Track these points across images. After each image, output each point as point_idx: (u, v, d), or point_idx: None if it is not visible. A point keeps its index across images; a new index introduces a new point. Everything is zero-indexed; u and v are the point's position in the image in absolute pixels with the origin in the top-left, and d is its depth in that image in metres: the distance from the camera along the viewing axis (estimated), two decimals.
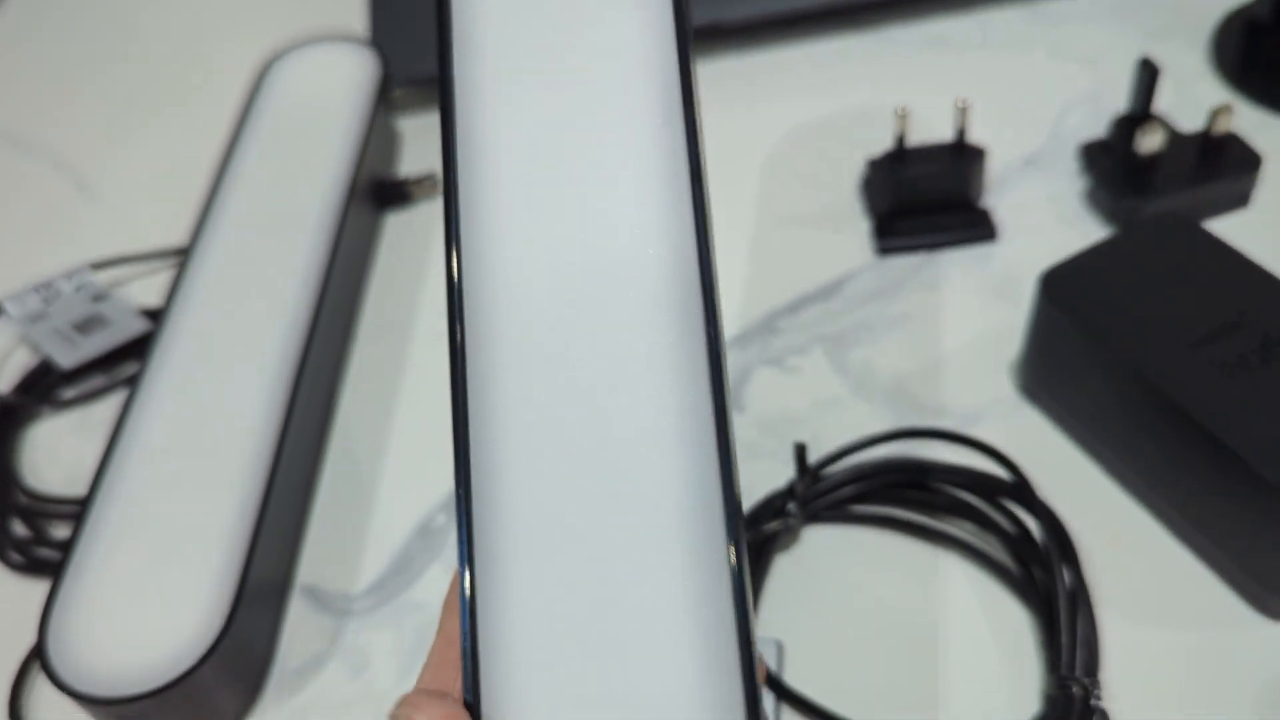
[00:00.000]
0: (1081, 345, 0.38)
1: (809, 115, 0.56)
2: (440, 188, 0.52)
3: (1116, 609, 0.36)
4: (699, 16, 0.58)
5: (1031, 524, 0.37)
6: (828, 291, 0.48)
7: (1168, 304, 0.38)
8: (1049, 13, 0.59)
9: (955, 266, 0.48)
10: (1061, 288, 0.39)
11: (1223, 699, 0.34)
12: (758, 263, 0.50)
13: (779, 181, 0.53)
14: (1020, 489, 0.37)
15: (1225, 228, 0.47)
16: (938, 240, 0.48)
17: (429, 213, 0.55)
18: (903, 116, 0.46)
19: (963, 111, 0.46)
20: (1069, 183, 0.50)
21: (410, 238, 0.54)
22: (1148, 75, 0.47)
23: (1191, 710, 0.34)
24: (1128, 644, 0.36)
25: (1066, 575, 0.35)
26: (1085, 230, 0.48)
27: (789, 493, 0.39)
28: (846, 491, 0.39)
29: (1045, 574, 0.36)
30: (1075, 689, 0.33)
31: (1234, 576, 0.36)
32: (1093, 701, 0.33)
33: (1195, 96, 0.53)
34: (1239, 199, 0.47)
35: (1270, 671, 0.35)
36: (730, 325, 0.47)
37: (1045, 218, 0.49)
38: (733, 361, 0.46)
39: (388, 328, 0.50)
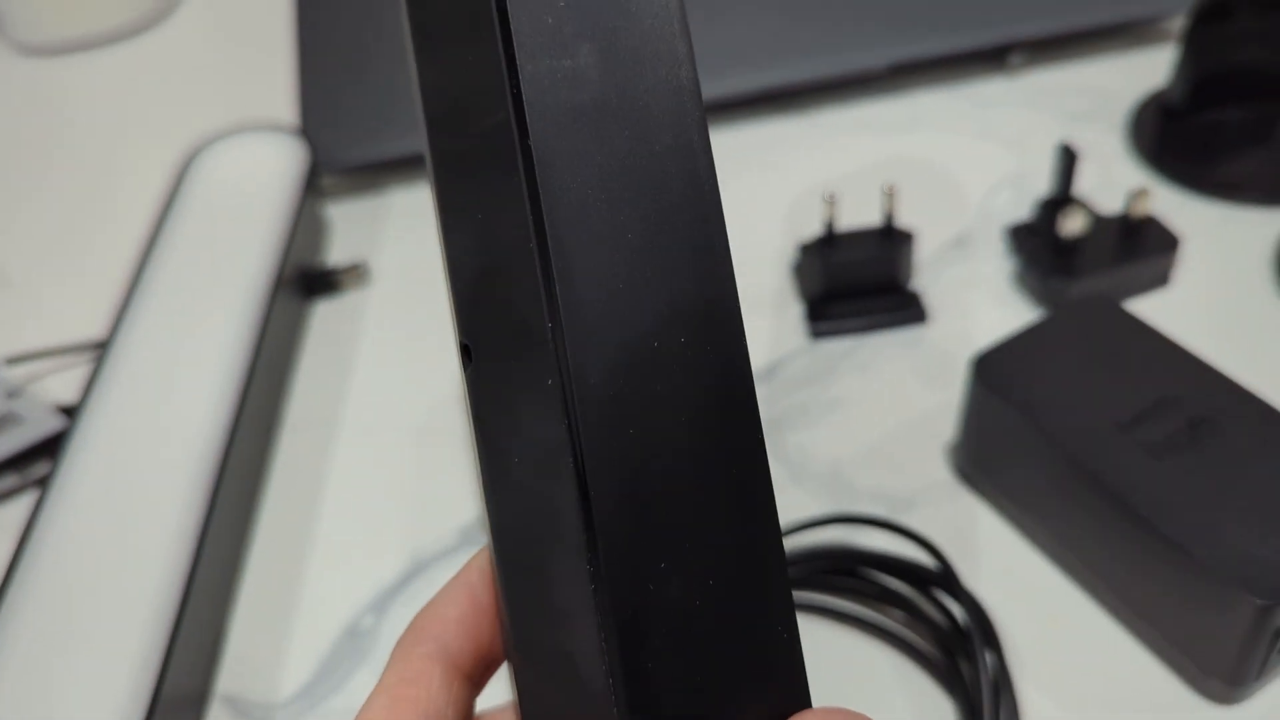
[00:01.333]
0: (1014, 428, 0.38)
1: (741, 199, 0.57)
2: (365, 277, 0.52)
3: (1053, 694, 0.36)
4: None
5: (958, 613, 0.37)
6: (763, 376, 0.48)
7: (1096, 386, 0.38)
8: (974, 96, 0.61)
9: (888, 349, 0.48)
10: (993, 371, 0.39)
11: None
12: None
13: None
14: (946, 577, 0.37)
15: (1147, 307, 0.48)
16: (869, 323, 0.48)
17: (356, 302, 0.54)
18: (830, 202, 0.47)
19: (889, 196, 0.47)
20: (996, 264, 0.51)
21: (338, 328, 0.53)
22: (1067, 160, 0.48)
23: None
24: None
25: (990, 664, 0.35)
26: (1013, 311, 0.49)
27: None
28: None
29: (969, 664, 0.35)
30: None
31: (1173, 659, 0.36)
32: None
33: (1115, 178, 0.54)
34: (1159, 278, 0.48)
35: None
36: None
37: (974, 299, 0.50)
38: None
39: (314, 421, 0.49)
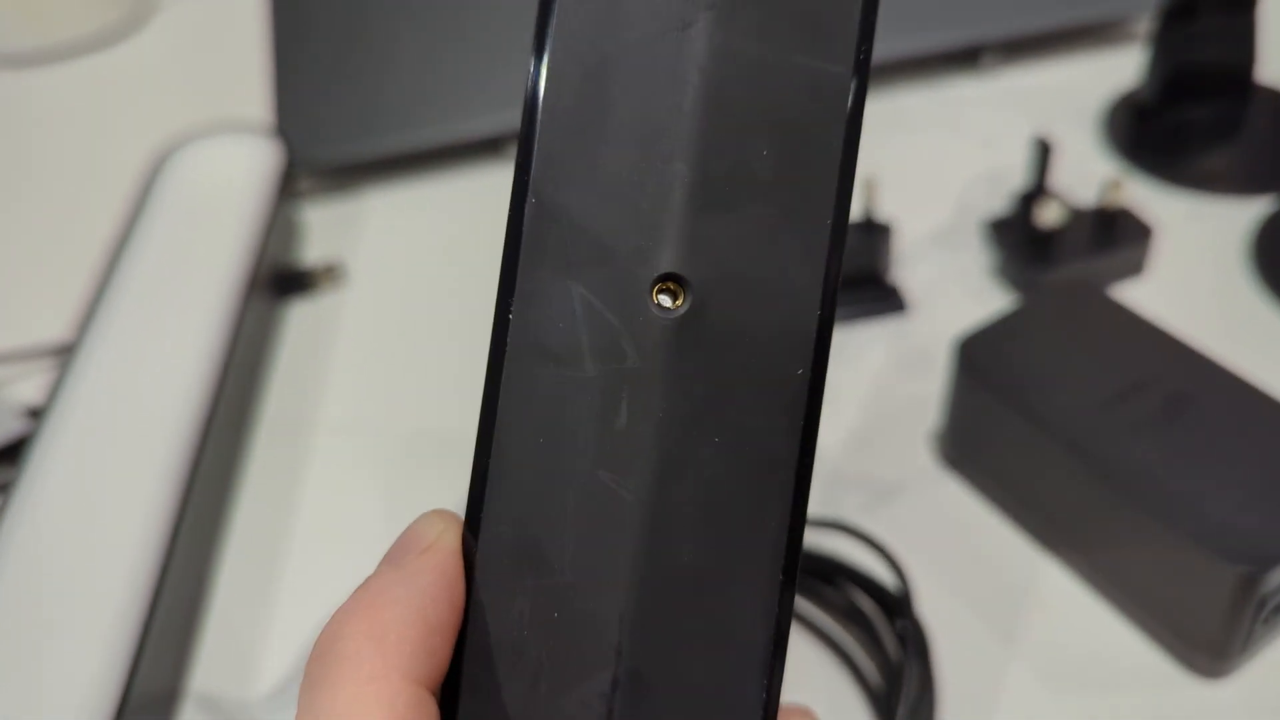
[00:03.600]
0: (998, 409, 0.38)
1: None
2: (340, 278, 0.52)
3: (1041, 674, 0.36)
4: None
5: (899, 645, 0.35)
6: None
7: (1078, 367, 0.38)
8: (949, 96, 0.61)
9: (870, 339, 0.48)
10: (977, 354, 0.39)
11: None
12: None
13: None
14: (901, 604, 0.35)
15: (1123, 295, 0.48)
16: (851, 313, 0.48)
17: (332, 303, 0.53)
18: None
19: (869, 188, 0.47)
20: (974, 256, 0.51)
21: (313, 329, 0.52)
22: (1042, 153, 0.49)
23: None
24: (1057, 711, 0.35)
25: (915, 678, 0.34)
26: (991, 302, 0.49)
27: None
28: None
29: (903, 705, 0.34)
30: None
31: (1159, 635, 0.36)
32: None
33: (1089, 173, 0.55)
34: (1134, 267, 0.49)
35: None
36: None
37: (953, 290, 0.50)
38: None
39: (289, 423, 0.48)
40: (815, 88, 0.20)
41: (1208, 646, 0.34)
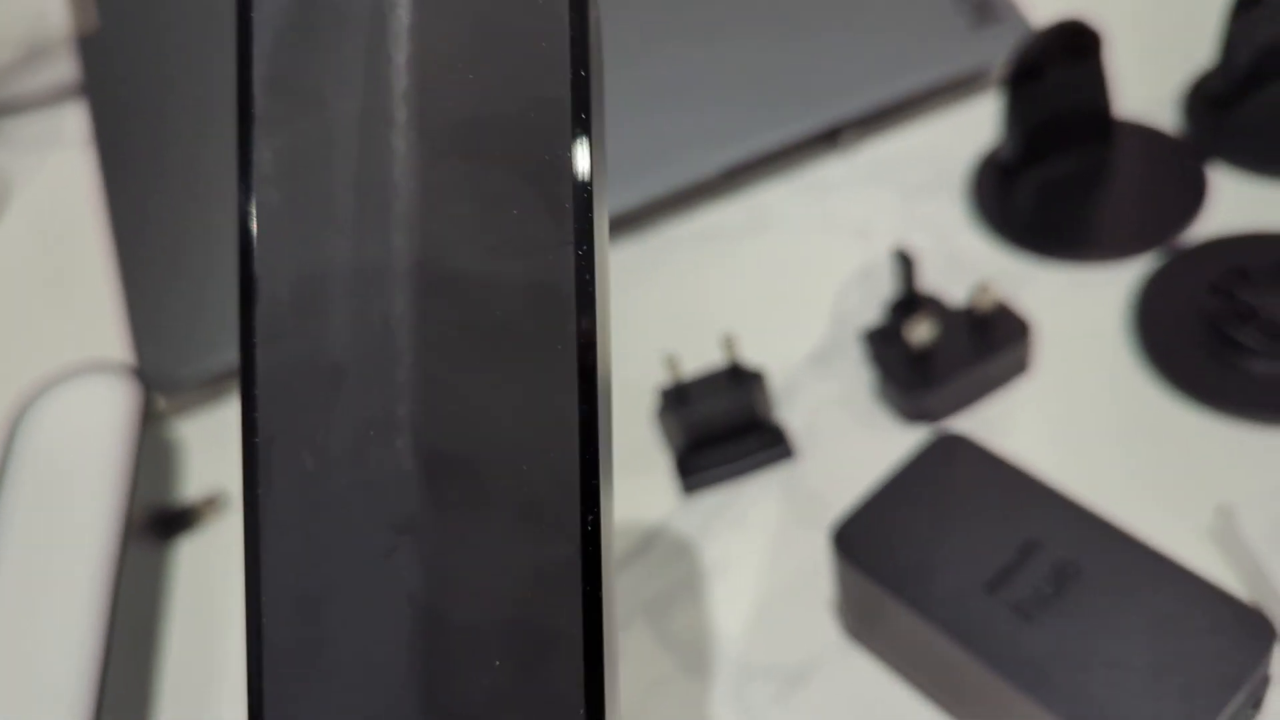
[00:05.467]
0: (882, 600, 0.37)
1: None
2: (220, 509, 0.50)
3: None
4: None
5: None
6: (644, 546, 0.46)
7: (958, 540, 0.37)
8: (814, 181, 0.60)
9: (760, 495, 0.47)
10: (852, 543, 0.38)
11: None
12: None
13: None
14: None
15: (1011, 400, 0.47)
16: (738, 468, 0.47)
17: (218, 536, 0.52)
18: (672, 363, 0.45)
19: (729, 346, 0.45)
20: (856, 374, 0.50)
21: (204, 569, 0.51)
22: (904, 265, 0.47)
23: None
24: None
25: None
26: (881, 428, 0.47)
27: None
28: None
29: None
30: None
31: None
32: None
33: (962, 256, 0.53)
34: (1018, 367, 0.47)
35: None
36: None
37: (840, 421, 0.48)
38: None
39: (193, 685, 0.46)
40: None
41: None
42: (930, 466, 0.39)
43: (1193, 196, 0.52)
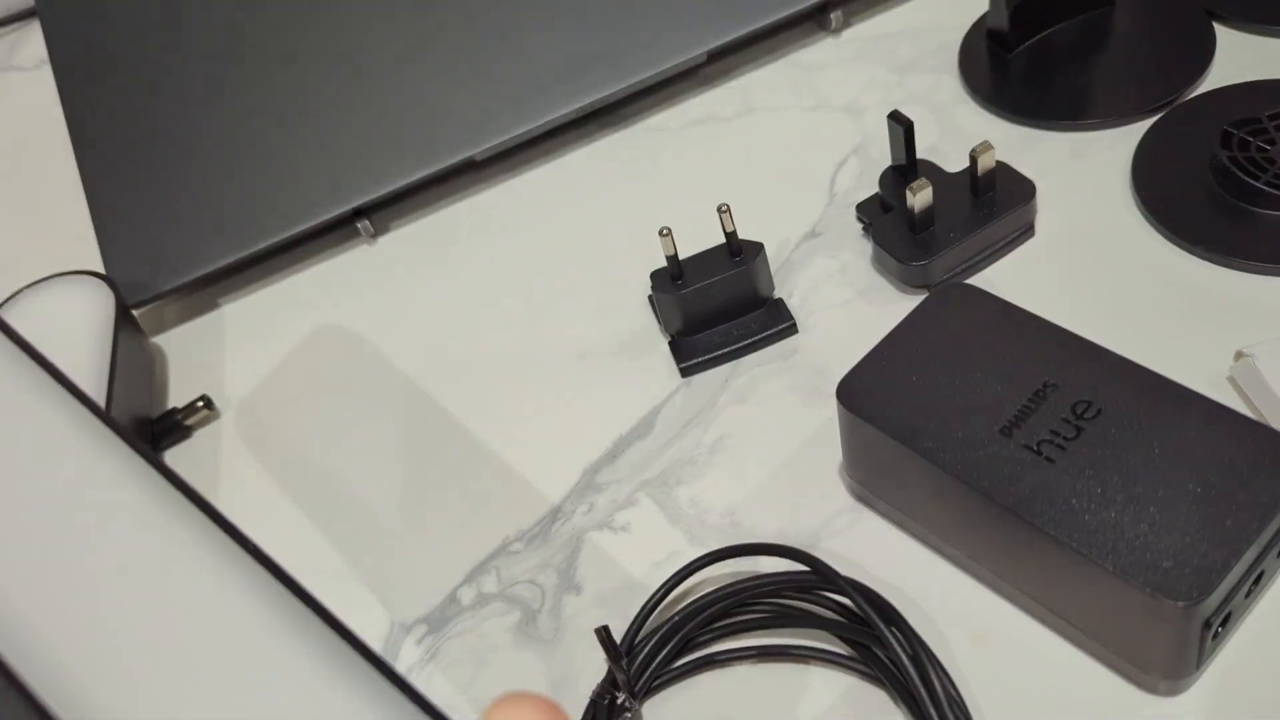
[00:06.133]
0: (894, 454, 0.36)
1: (588, 231, 0.53)
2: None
3: (998, 710, 0.34)
4: (447, 158, 0.54)
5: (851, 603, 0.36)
6: (643, 428, 0.45)
7: (969, 388, 0.35)
8: (802, 63, 0.58)
9: (762, 371, 0.45)
10: (858, 395, 0.37)
11: None
12: (567, 411, 0.46)
13: (569, 314, 0.50)
14: (824, 576, 0.35)
15: (1018, 261, 0.46)
16: (738, 349, 0.46)
17: (208, 442, 0.50)
18: (666, 235, 0.44)
19: (724, 214, 0.44)
20: (857, 248, 0.48)
21: (194, 477, 0.49)
22: (901, 129, 0.46)
23: None
24: None
25: (900, 640, 0.34)
26: (883, 299, 0.46)
27: (611, 683, 0.36)
28: (671, 648, 0.36)
29: (882, 647, 0.34)
30: None
31: (1110, 660, 0.34)
32: None
33: (959, 125, 0.52)
34: (1024, 229, 0.46)
35: None
36: (555, 490, 0.44)
37: (841, 294, 0.47)
38: (562, 533, 0.42)
39: None
40: None
41: (1161, 669, 0.32)
42: (938, 316, 0.38)
43: (1199, 53, 0.50)
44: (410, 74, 0.56)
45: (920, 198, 0.44)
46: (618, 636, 0.37)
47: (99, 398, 0.46)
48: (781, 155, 0.54)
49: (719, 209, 0.44)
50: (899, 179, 0.47)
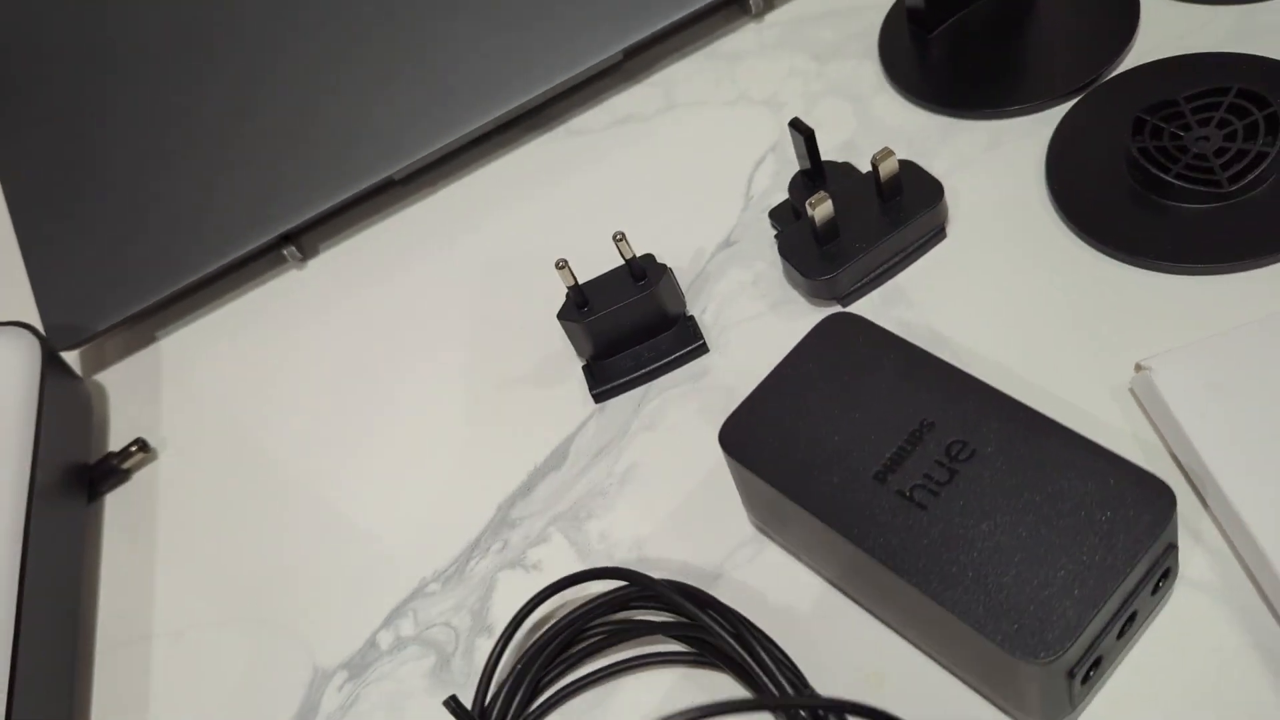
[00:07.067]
0: (776, 499, 0.35)
1: (510, 244, 0.53)
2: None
3: None
4: (365, 179, 0.54)
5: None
6: (556, 458, 0.45)
7: (850, 429, 0.35)
8: (723, 52, 0.56)
9: (673, 394, 0.45)
10: (739, 440, 0.36)
11: None
12: (483, 443, 0.47)
13: (487, 338, 0.50)
14: (641, 586, 0.37)
15: (930, 264, 0.45)
16: (648, 372, 0.45)
17: (146, 483, 0.51)
18: (564, 268, 0.43)
19: (620, 243, 0.43)
20: (770, 256, 0.47)
21: (134, 519, 0.50)
22: (803, 137, 0.44)
23: None
24: None
25: (719, 621, 0.35)
26: (794, 313, 0.45)
27: None
28: (523, 696, 0.37)
29: (708, 633, 0.36)
30: (803, 712, 0.33)
31: (996, 701, 0.34)
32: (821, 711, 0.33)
33: (876, 116, 0.50)
34: (935, 232, 0.45)
35: None
36: (471, 527, 0.44)
37: (753, 308, 0.46)
38: (476, 572, 0.43)
39: (128, 633, 0.46)
40: None
41: (1036, 713, 0.32)
42: (819, 351, 0.37)
43: (1123, 25, 0.48)
44: (324, 98, 0.55)
45: (820, 211, 0.43)
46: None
47: (25, 454, 0.47)
48: (701, 155, 0.52)
49: (614, 238, 0.43)
50: (808, 184, 0.46)
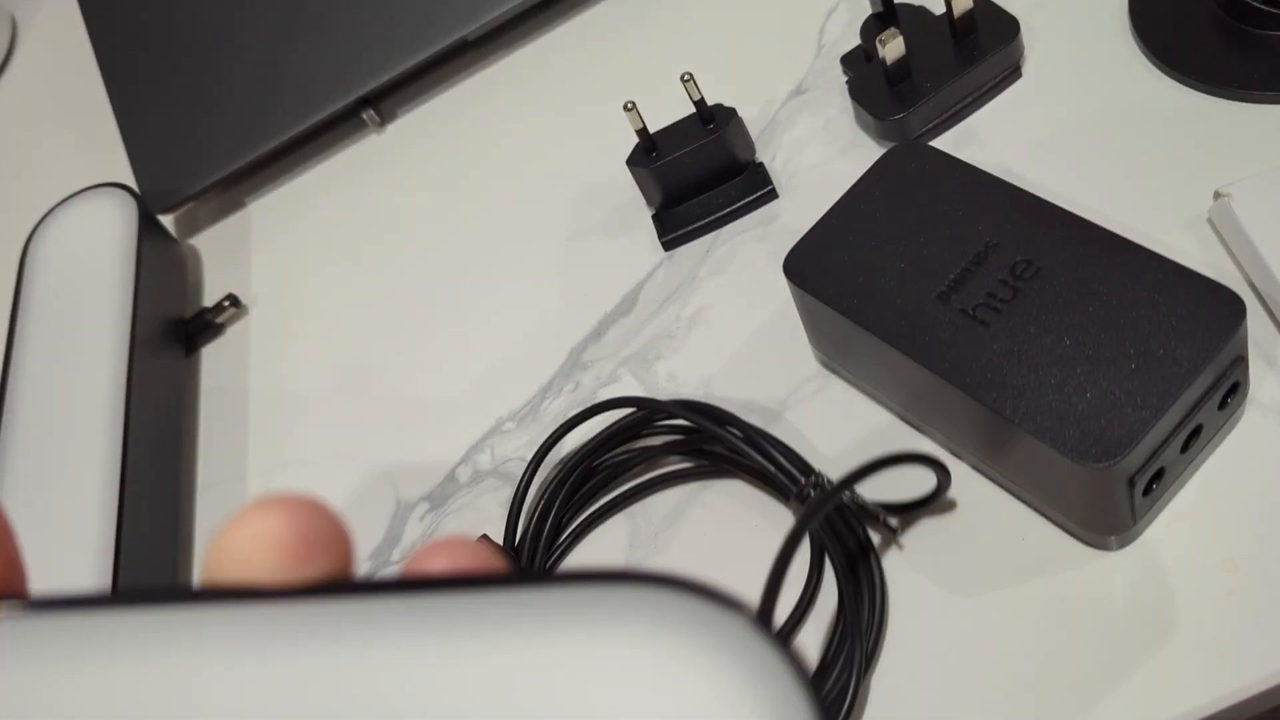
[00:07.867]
0: (841, 325, 0.36)
1: (582, 104, 0.53)
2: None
3: (938, 574, 0.35)
4: (440, 41, 0.54)
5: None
6: (626, 304, 0.46)
7: (914, 253, 0.35)
8: None
9: (743, 240, 0.45)
10: (803, 268, 0.36)
11: (1072, 637, 0.33)
12: (556, 292, 0.48)
13: (559, 194, 0.50)
14: (653, 409, 0.39)
15: (1006, 105, 0.44)
16: (719, 218, 0.45)
17: (238, 338, 0.53)
18: (631, 110, 0.43)
19: (688, 84, 0.43)
20: (841, 103, 0.47)
21: (227, 371, 0.53)
22: None
23: (1045, 654, 0.33)
24: (962, 609, 0.34)
25: (734, 434, 0.37)
26: (864, 156, 0.45)
27: None
28: (549, 531, 0.39)
29: (720, 444, 0.38)
30: (810, 490, 0.35)
31: (1057, 519, 0.34)
32: (827, 487, 0.35)
33: None
34: (1010, 70, 0.44)
35: (1122, 600, 0.33)
36: (545, 369, 0.45)
37: (823, 154, 0.46)
38: (549, 411, 0.44)
39: (226, 475, 0.49)
40: None
41: (1099, 527, 0.32)
42: (887, 178, 0.37)
43: None
44: None
45: (891, 48, 0.42)
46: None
47: (125, 305, 0.49)
48: (773, 3, 0.52)
49: (682, 78, 0.43)
50: (880, 27, 0.45)
